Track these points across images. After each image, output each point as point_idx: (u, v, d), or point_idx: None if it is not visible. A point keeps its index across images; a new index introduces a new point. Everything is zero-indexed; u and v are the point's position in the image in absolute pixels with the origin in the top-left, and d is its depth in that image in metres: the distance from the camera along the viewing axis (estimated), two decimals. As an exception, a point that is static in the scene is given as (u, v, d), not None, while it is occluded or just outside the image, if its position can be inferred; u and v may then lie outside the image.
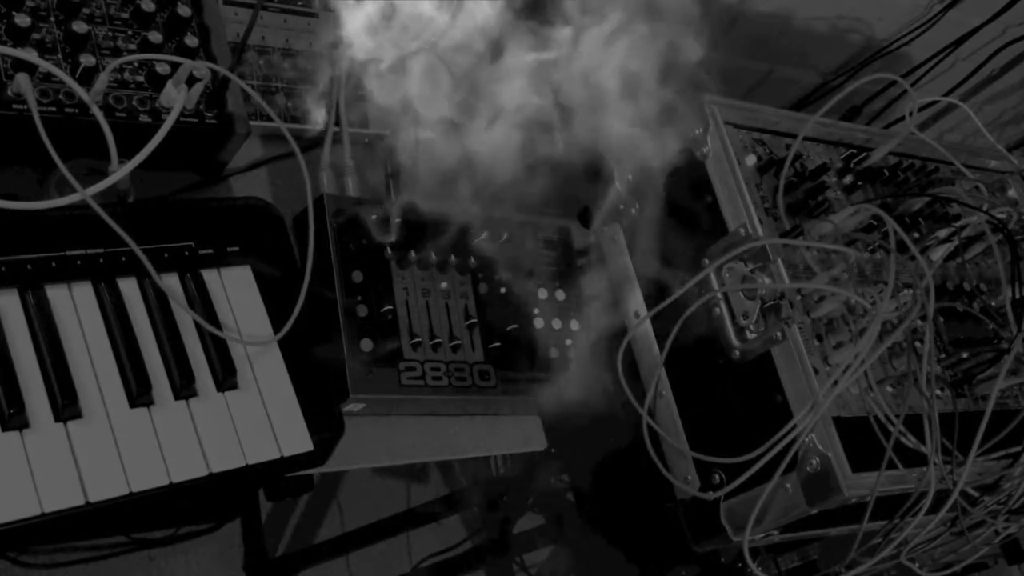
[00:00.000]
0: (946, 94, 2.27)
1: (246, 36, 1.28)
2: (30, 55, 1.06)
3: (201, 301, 1.13)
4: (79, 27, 1.11)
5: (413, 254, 1.31)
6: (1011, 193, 1.62)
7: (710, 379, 1.35)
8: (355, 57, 1.35)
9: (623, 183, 1.48)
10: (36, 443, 0.98)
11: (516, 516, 2.31)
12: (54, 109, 1.08)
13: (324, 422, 1.15)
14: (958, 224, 1.42)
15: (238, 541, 2.29)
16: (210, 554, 2.28)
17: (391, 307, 1.27)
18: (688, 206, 1.38)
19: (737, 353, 1.30)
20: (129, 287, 1.10)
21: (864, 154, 1.48)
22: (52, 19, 1.12)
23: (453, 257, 1.34)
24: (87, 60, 1.11)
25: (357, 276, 1.26)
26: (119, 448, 1.01)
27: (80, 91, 1.07)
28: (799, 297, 1.27)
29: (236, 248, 1.18)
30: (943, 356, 1.39)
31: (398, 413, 1.30)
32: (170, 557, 2.25)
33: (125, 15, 1.17)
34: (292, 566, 2.31)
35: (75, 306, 1.06)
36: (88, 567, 2.10)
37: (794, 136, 1.40)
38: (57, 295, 1.05)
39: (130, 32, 1.17)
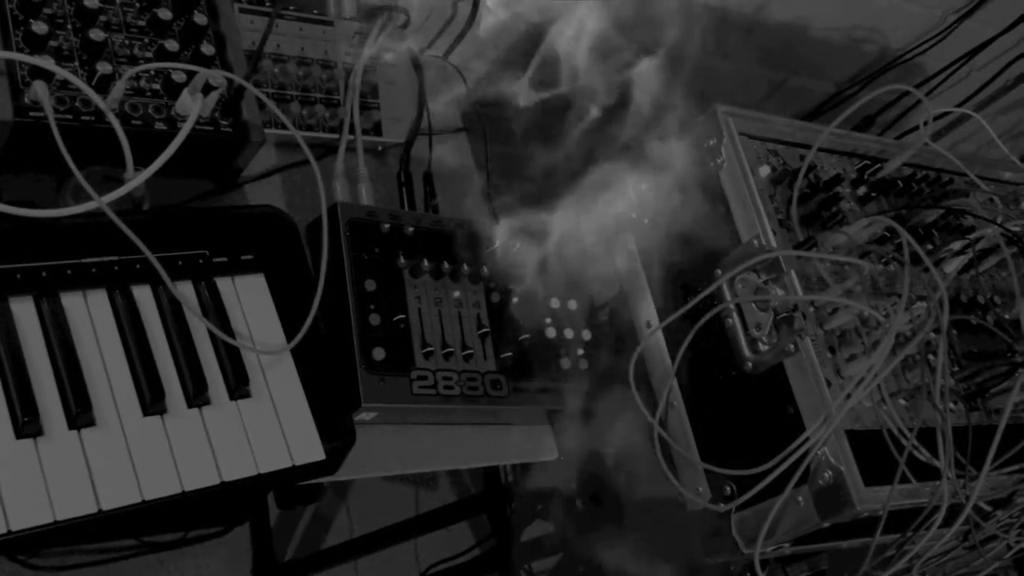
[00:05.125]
0: (960, 104, 2.27)
1: (262, 44, 1.29)
2: (47, 63, 1.06)
3: (215, 309, 1.13)
4: (96, 35, 1.12)
5: (426, 263, 1.31)
6: (1025, 205, 1.61)
7: (722, 390, 1.35)
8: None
9: (636, 192, 1.48)
10: (50, 451, 0.98)
11: (524, 524, 2.31)
12: (71, 117, 1.08)
13: (336, 431, 1.16)
14: (972, 236, 1.42)
15: (247, 545, 2.29)
16: (219, 558, 2.29)
17: (403, 316, 1.27)
18: (701, 216, 1.38)
19: (749, 364, 1.30)
20: (143, 295, 1.10)
21: (878, 165, 1.47)
22: (69, 27, 1.12)
23: (465, 266, 1.34)
24: (104, 68, 1.11)
25: (370, 285, 1.26)
26: (132, 456, 1.01)
27: (97, 99, 1.07)
28: (812, 309, 1.27)
29: (250, 256, 1.18)
30: (957, 369, 1.39)
31: (410, 422, 1.31)
32: (179, 560, 2.26)
33: (142, 23, 1.18)
34: (301, 571, 2.31)
35: (90, 314, 1.06)
36: (98, 570, 2.11)
37: (808, 147, 1.40)
38: (72, 303, 1.06)
39: (147, 40, 1.18)
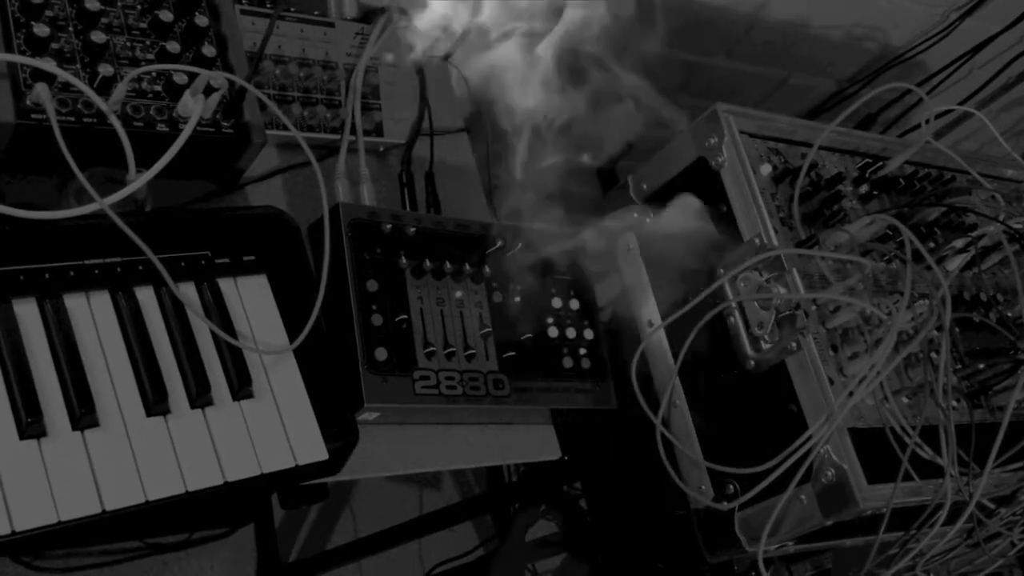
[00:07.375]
0: (962, 102, 2.27)
1: (263, 46, 1.29)
2: (49, 65, 1.07)
3: (217, 310, 1.13)
4: (98, 37, 1.12)
5: (428, 263, 1.31)
6: (1028, 203, 1.61)
7: (724, 389, 1.35)
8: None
9: (638, 192, 1.49)
10: (53, 451, 0.98)
11: (528, 524, 2.31)
12: (72, 119, 1.09)
13: (339, 431, 1.16)
14: (974, 234, 1.42)
15: (251, 546, 2.29)
16: (223, 559, 2.29)
17: (406, 316, 1.27)
18: (702, 216, 1.38)
19: (752, 363, 1.30)
20: (146, 296, 1.10)
21: (880, 163, 1.47)
22: (71, 29, 1.13)
23: (467, 266, 1.35)
24: (105, 70, 1.11)
25: (372, 285, 1.26)
26: (135, 456, 1.02)
27: (99, 101, 1.07)
28: (814, 307, 1.27)
29: (252, 257, 1.18)
30: (959, 367, 1.39)
31: (412, 422, 1.31)
32: (183, 562, 2.26)
33: (143, 25, 1.18)
34: (305, 571, 2.31)
35: (93, 315, 1.06)
36: (102, 572, 2.11)
37: (809, 145, 1.40)
38: (75, 304, 1.06)
39: (148, 42, 1.18)
